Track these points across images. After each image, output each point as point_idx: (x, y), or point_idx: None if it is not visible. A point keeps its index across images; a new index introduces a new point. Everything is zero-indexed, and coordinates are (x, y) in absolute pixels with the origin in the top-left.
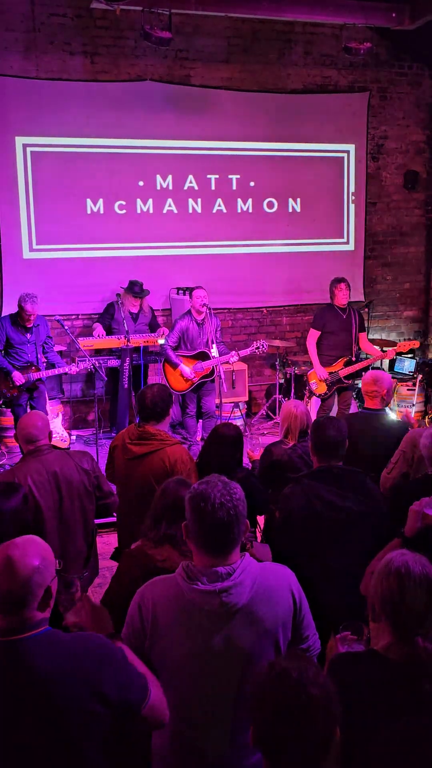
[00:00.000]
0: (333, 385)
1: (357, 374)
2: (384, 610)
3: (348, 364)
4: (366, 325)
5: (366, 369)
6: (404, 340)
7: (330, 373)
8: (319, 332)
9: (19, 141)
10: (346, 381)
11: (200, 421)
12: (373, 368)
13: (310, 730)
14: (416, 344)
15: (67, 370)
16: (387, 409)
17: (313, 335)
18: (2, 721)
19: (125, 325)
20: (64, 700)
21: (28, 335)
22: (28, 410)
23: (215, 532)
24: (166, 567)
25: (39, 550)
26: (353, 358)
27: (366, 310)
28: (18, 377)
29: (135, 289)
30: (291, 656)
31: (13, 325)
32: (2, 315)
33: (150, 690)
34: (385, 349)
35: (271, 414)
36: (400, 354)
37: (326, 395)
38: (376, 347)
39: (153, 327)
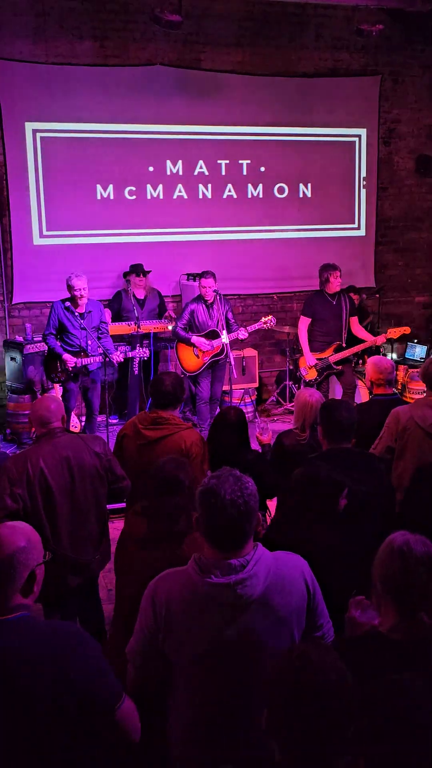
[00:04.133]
0: (323, 371)
1: (348, 359)
2: (388, 590)
3: (338, 350)
4: (378, 310)
5: (359, 354)
6: (414, 326)
7: (319, 359)
8: (310, 319)
9: (29, 127)
10: (336, 366)
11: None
12: (369, 355)
13: (326, 717)
14: (407, 330)
15: (112, 358)
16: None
17: (304, 322)
18: None
19: (135, 312)
20: (32, 682)
21: (81, 321)
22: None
23: (226, 529)
24: (130, 533)
25: (27, 534)
26: (344, 344)
27: (377, 296)
28: (70, 359)
29: (137, 270)
30: (309, 642)
31: (65, 311)
32: (55, 301)
33: (124, 699)
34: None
35: (281, 400)
36: (390, 341)
37: (316, 381)
38: (369, 333)
39: (162, 311)
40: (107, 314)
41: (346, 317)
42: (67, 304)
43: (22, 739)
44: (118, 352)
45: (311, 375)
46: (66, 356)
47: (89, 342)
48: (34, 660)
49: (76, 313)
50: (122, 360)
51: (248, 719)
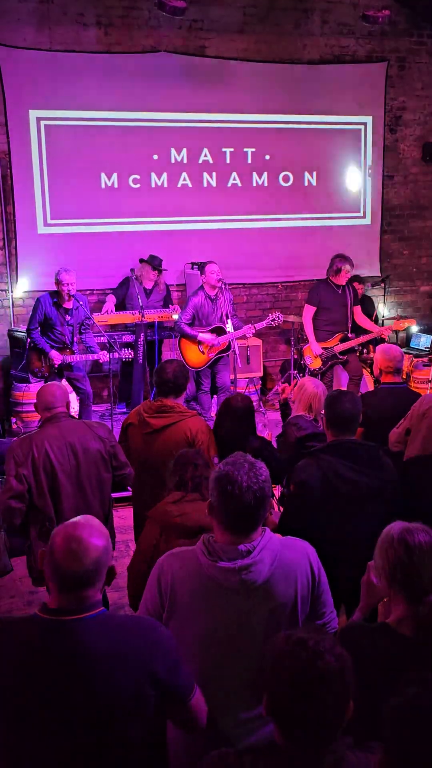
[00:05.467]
0: (328, 360)
1: (353, 349)
2: (395, 580)
3: (344, 339)
4: (383, 299)
5: (364, 344)
6: (420, 315)
7: (325, 348)
8: (315, 308)
9: (33, 114)
10: (341, 356)
11: (215, 396)
12: (376, 344)
13: (325, 700)
14: (412, 322)
15: (98, 357)
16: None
17: (309, 311)
18: (52, 699)
19: (139, 300)
20: (119, 680)
21: (67, 317)
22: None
23: (241, 515)
24: (182, 522)
25: (102, 530)
26: (349, 334)
27: (382, 285)
28: (56, 357)
29: (155, 263)
30: (308, 627)
31: (52, 305)
32: (42, 295)
33: (196, 688)
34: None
35: None
36: (396, 331)
37: (321, 370)
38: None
39: (167, 304)
40: (110, 300)
41: (351, 306)
42: (56, 299)
43: (102, 733)
44: (103, 353)
45: (316, 364)
46: (53, 354)
47: (74, 338)
48: (118, 655)
49: (63, 309)
50: (107, 360)
51: (247, 701)
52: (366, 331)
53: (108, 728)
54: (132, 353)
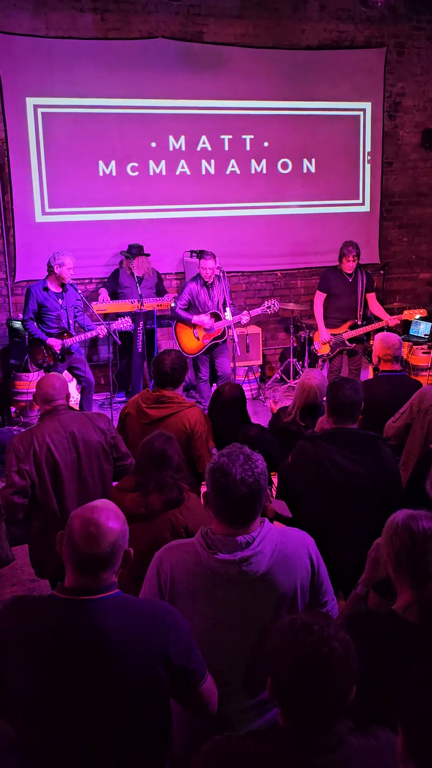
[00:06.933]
0: (336, 346)
1: (361, 338)
2: (401, 566)
3: (354, 327)
4: (382, 287)
5: (369, 334)
6: (419, 303)
7: (333, 335)
8: (325, 294)
9: (30, 102)
10: (349, 344)
11: (214, 384)
12: (376, 332)
13: (329, 684)
14: (423, 312)
15: (97, 332)
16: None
17: (319, 297)
18: (67, 679)
19: (138, 289)
20: (133, 660)
21: (60, 301)
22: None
23: (236, 508)
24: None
25: (119, 514)
26: (359, 322)
27: (381, 272)
28: (55, 343)
29: (132, 251)
30: (312, 612)
31: (43, 291)
32: (32, 284)
33: (207, 673)
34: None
35: (285, 378)
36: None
37: (329, 356)
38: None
39: (159, 290)
40: (103, 293)
41: (362, 293)
42: (46, 284)
43: (114, 714)
44: (101, 327)
45: (324, 350)
46: (50, 341)
47: (70, 321)
48: (134, 636)
49: (53, 293)
50: (106, 334)
51: (249, 690)
52: (377, 320)
53: (122, 706)
54: (130, 321)
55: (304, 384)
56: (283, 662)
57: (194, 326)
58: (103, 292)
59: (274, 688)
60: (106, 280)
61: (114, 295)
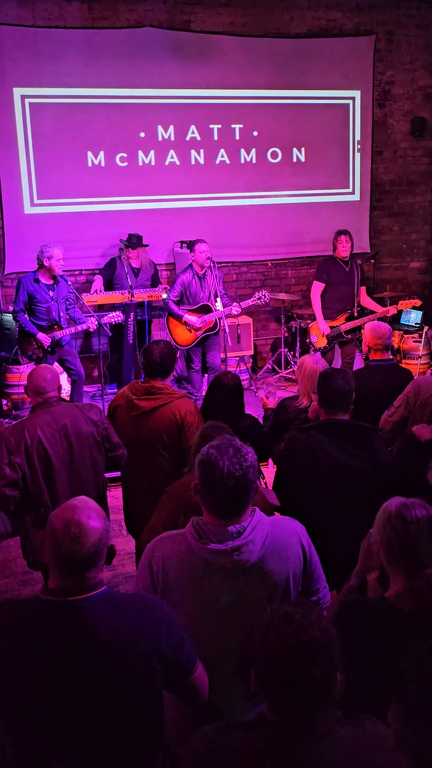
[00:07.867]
0: (333, 339)
1: (358, 329)
2: (394, 554)
3: (350, 318)
4: (372, 276)
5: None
6: (410, 292)
7: (331, 327)
8: (323, 284)
9: (18, 92)
10: (346, 336)
11: (205, 375)
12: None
13: (311, 673)
14: (417, 303)
15: (87, 325)
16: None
17: (317, 287)
18: (62, 681)
19: (129, 280)
20: (127, 658)
21: (51, 293)
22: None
23: (224, 500)
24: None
25: (99, 511)
26: (355, 313)
27: (372, 261)
28: (44, 339)
29: (132, 241)
30: (294, 602)
31: (34, 283)
32: (23, 275)
33: (198, 662)
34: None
35: (276, 368)
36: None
37: (326, 349)
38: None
39: (155, 282)
40: (98, 280)
41: (357, 284)
42: (37, 276)
43: (111, 710)
44: (91, 320)
45: (321, 343)
46: (40, 336)
47: (61, 314)
48: (126, 633)
49: (44, 284)
50: (96, 327)
51: (241, 680)
52: (370, 311)
53: (118, 703)
54: (122, 315)
55: (308, 369)
56: (264, 652)
57: (185, 323)
58: (98, 280)
59: (257, 679)
60: (97, 271)
61: (109, 284)
